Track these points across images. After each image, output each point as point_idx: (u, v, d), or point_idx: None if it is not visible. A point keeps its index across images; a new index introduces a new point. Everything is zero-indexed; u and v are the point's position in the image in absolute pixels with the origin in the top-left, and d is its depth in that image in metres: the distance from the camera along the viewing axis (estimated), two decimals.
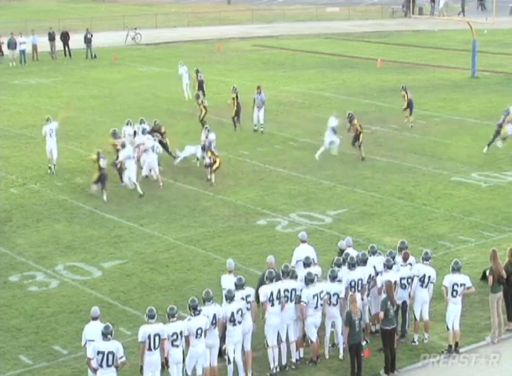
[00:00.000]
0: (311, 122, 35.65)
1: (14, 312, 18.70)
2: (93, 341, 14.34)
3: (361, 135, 29.89)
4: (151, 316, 14.57)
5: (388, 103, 39.03)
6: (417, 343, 16.99)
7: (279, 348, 16.13)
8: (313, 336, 16.28)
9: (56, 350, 16.97)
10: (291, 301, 16.09)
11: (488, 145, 30.27)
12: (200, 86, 38.24)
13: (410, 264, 16.98)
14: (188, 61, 42.93)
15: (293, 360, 16.35)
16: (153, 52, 58.04)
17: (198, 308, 14.93)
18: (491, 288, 17.16)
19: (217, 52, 56.68)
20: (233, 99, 34.20)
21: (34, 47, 53.58)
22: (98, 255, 21.90)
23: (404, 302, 16.92)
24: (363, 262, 16.86)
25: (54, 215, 24.95)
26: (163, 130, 29.21)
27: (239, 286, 15.84)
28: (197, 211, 25.11)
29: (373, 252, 17.31)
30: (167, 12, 75.59)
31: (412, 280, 16.82)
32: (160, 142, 28.40)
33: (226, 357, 15.58)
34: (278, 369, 16.03)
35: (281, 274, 16.25)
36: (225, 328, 15.46)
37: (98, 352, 13.97)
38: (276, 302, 15.86)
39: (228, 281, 16.32)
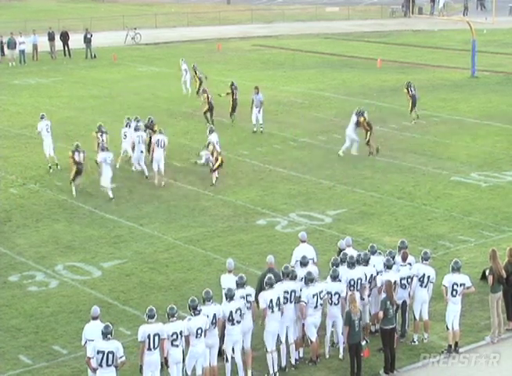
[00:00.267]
0: (311, 122, 35.66)
1: (14, 312, 18.69)
2: (93, 340, 14.33)
3: (367, 133, 30.10)
4: (151, 316, 14.58)
5: (388, 102, 39.02)
6: (417, 343, 16.98)
7: (279, 350, 16.09)
8: (313, 336, 16.27)
9: (56, 350, 16.97)
10: (291, 302, 16.09)
11: None
12: (201, 83, 38.70)
13: (409, 264, 17.00)
14: (188, 61, 42.82)
15: (293, 361, 16.32)
16: (152, 52, 57.99)
17: (198, 308, 14.92)
18: (490, 288, 17.16)
19: (216, 52, 56.62)
20: (228, 93, 34.55)
21: (35, 47, 53.48)
22: (97, 255, 21.90)
23: (404, 302, 16.93)
24: (365, 261, 16.87)
25: (54, 215, 24.95)
26: (155, 128, 29.22)
27: (240, 284, 15.85)
28: (197, 211, 25.11)
29: (373, 252, 17.34)
30: (166, 12, 75.52)
31: (412, 279, 16.84)
32: (150, 139, 28.51)
33: (224, 356, 15.58)
34: (277, 372, 15.98)
35: (281, 275, 16.26)
36: (224, 327, 15.47)
37: (98, 352, 13.98)
38: (276, 309, 15.81)
39: (227, 281, 16.32)
